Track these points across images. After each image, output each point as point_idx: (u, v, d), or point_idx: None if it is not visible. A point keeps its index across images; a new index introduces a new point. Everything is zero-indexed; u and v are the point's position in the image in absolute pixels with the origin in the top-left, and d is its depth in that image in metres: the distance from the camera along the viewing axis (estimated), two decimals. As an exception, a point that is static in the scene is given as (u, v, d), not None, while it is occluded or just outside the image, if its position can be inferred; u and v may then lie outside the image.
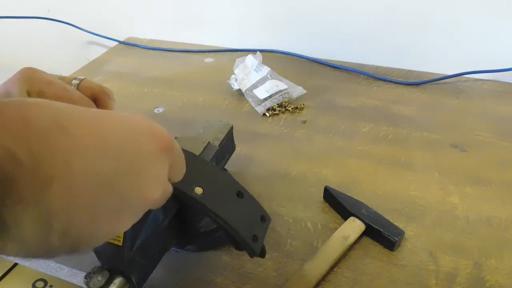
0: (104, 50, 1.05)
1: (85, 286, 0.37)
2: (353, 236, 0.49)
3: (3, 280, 0.87)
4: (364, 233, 0.50)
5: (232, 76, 0.82)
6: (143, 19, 1.07)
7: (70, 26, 1.08)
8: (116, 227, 0.26)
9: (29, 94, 0.39)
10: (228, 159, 0.55)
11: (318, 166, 0.62)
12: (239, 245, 0.39)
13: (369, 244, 0.50)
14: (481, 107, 0.75)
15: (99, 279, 0.36)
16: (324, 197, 0.56)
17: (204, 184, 0.39)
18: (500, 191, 0.57)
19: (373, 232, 0.50)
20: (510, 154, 0.63)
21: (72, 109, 0.24)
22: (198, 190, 0.38)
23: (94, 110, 0.26)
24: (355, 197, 0.54)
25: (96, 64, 0.97)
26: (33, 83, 0.40)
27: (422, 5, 0.81)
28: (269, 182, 0.59)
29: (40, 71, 0.42)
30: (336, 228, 0.50)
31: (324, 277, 0.46)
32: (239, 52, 0.96)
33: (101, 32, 1.08)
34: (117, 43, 1.06)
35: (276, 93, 0.76)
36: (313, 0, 0.88)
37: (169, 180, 0.30)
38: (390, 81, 0.83)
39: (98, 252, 0.39)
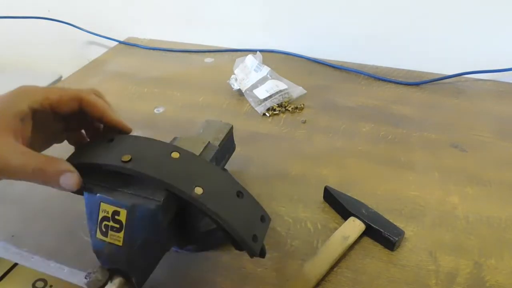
0: (104, 50, 1.05)
1: (85, 286, 0.37)
2: (353, 236, 0.49)
3: (3, 280, 0.87)
4: (364, 233, 0.50)
5: (232, 76, 0.82)
6: (143, 19, 1.07)
7: (70, 26, 1.08)
8: None
9: (31, 107, 0.39)
10: (228, 159, 0.55)
11: (318, 166, 0.62)
12: (239, 245, 0.39)
13: (369, 244, 0.50)
14: (481, 107, 0.75)
15: (99, 279, 0.37)
16: (324, 197, 0.56)
17: (204, 184, 0.39)
18: (500, 191, 0.57)
19: (373, 232, 0.50)
20: (510, 154, 0.63)
21: None
22: (198, 190, 0.38)
23: None
24: (355, 197, 0.54)
25: (96, 64, 0.97)
26: (35, 95, 0.39)
27: (422, 5, 0.81)
28: (269, 182, 0.59)
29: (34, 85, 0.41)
30: (336, 228, 0.50)
31: (324, 277, 0.46)
32: (239, 52, 0.96)
33: (101, 32, 1.08)
34: (117, 43, 1.06)
35: (276, 93, 0.76)
36: (313, 0, 0.88)
37: None
38: (390, 81, 0.83)
39: (98, 252, 0.39)
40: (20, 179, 0.37)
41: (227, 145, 0.54)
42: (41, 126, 0.40)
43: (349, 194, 0.54)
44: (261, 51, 0.84)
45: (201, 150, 0.47)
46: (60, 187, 0.38)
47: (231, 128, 0.55)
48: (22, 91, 0.40)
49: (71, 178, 0.38)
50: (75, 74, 0.92)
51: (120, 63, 0.97)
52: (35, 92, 0.40)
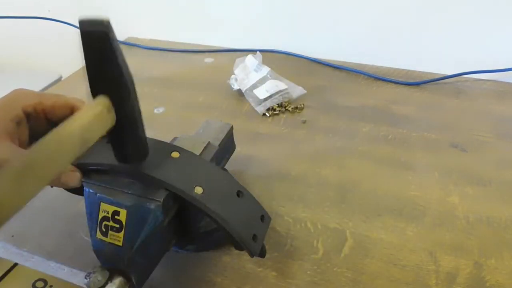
0: (104, 50, 1.05)
1: (85, 286, 0.37)
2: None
3: (3, 280, 0.87)
4: None
5: (232, 76, 0.82)
6: (143, 19, 1.07)
7: (70, 26, 1.08)
8: None
9: (25, 111, 0.39)
10: (228, 159, 0.55)
11: (318, 166, 0.62)
12: (239, 245, 0.39)
13: (369, 244, 0.50)
14: (481, 107, 0.75)
15: (99, 279, 0.37)
16: None
17: (204, 184, 0.39)
18: (500, 191, 0.57)
19: None
20: (510, 154, 0.63)
21: None
22: (198, 190, 0.38)
23: None
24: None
25: (96, 64, 0.97)
26: (29, 98, 0.39)
27: (422, 5, 0.81)
28: (269, 182, 0.59)
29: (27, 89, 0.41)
30: (336, 228, 0.50)
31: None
32: (239, 52, 0.96)
33: (101, 32, 1.08)
34: (117, 43, 1.06)
35: (276, 93, 0.76)
36: (313, 0, 0.88)
37: None
38: (390, 81, 0.83)
39: (98, 252, 0.39)
40: None
41: (227, 145, 0.54)
42: (36, 133, 0.40)
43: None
44: (261, 51, 0.84)
45: (201, 150, 0.47)
46: (62, 185, 0.38)
47: (231, 128, 0.55)
48: (17, 94, 0.40)
49: (72, 176, 0.38)
50: (75, 74, 0.92)
51: (120, 63, 0.97)
52: (29, 95, 0.40)
